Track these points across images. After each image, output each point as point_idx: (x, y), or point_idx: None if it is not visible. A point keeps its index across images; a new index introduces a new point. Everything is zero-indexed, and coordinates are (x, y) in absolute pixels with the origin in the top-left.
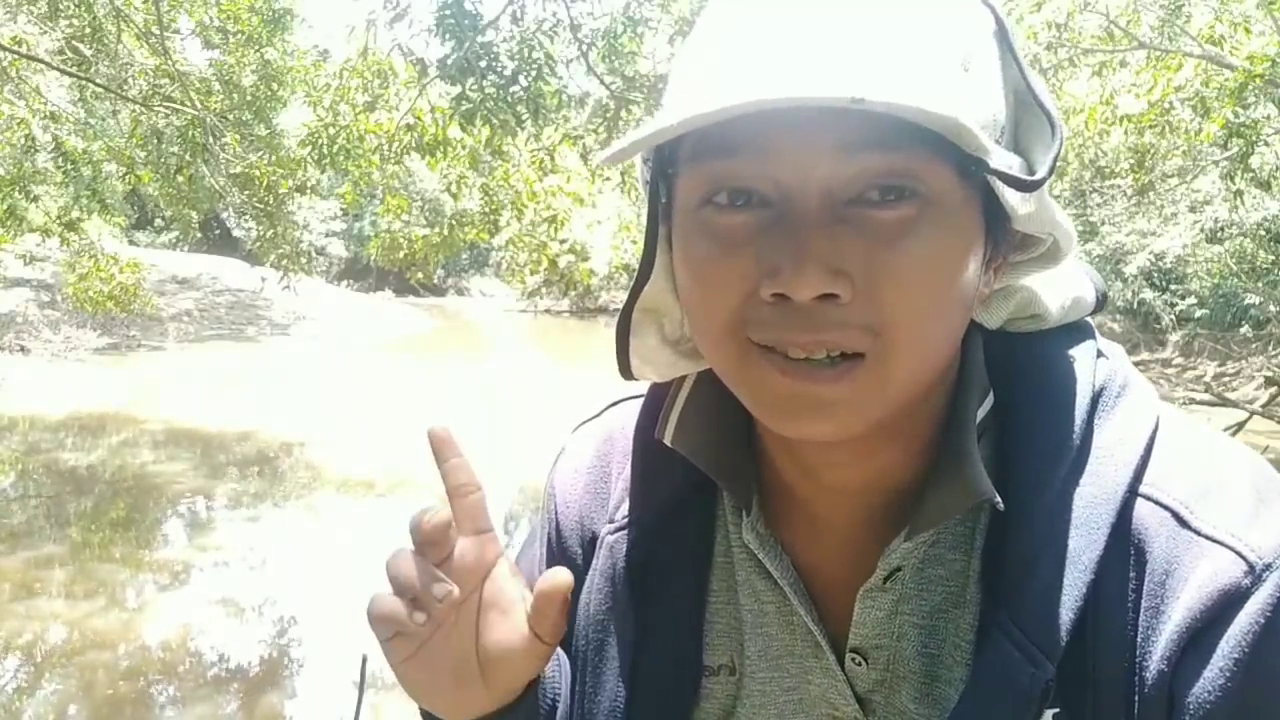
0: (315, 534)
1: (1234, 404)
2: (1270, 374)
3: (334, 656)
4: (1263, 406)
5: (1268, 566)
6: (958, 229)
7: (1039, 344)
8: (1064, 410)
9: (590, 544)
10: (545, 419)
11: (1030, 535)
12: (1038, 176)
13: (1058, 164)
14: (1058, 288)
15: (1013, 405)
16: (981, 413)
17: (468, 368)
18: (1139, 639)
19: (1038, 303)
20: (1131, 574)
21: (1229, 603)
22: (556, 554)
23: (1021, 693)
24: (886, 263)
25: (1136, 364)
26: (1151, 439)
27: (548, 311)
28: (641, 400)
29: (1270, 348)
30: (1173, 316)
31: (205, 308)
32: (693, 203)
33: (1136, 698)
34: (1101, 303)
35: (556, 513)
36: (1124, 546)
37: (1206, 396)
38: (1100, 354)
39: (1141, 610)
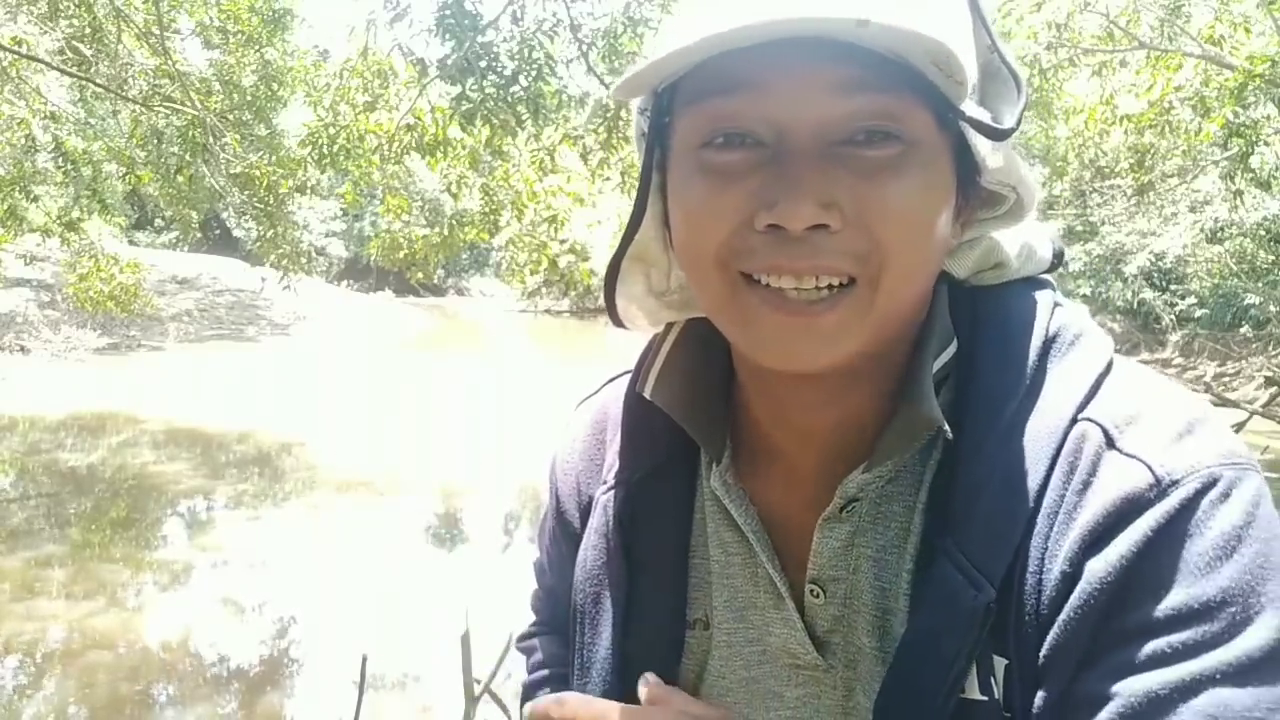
0: (315, 534)
1: (1234, 404)
2: (1270, 374)
3: (334, 656)
4: (1263, 406)
5: (1174, 482)
6: (935, 172)
7: (1001, 295)
8: (1017, 351)
9: (586, 508)
10: (545, 419)
11: (978, 466)
12: (1006, 126)
13: (1023, 117)
14: (1015, 233)
15: (972, 350)
16: (944, 359)
17: (468, 368)
18: (1050, 543)
19: (1000, 251)
20: (1061, 487)
21: (1130, 510)
22: (557, 521)
23: (964, 615)
24: (873, 196)
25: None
26: (1100, 378)
27: (548, 311)
28: None
29: (1270, 348)
30: (1173, 316)
31: (205, 308)
32: (690, 144)
33: (1044, 601)
34: (1058, 260)
35: (556, 482)
36: (1061, 467)
37: (1206, 396)
38: (1058, 304)
39: (1059, 517)
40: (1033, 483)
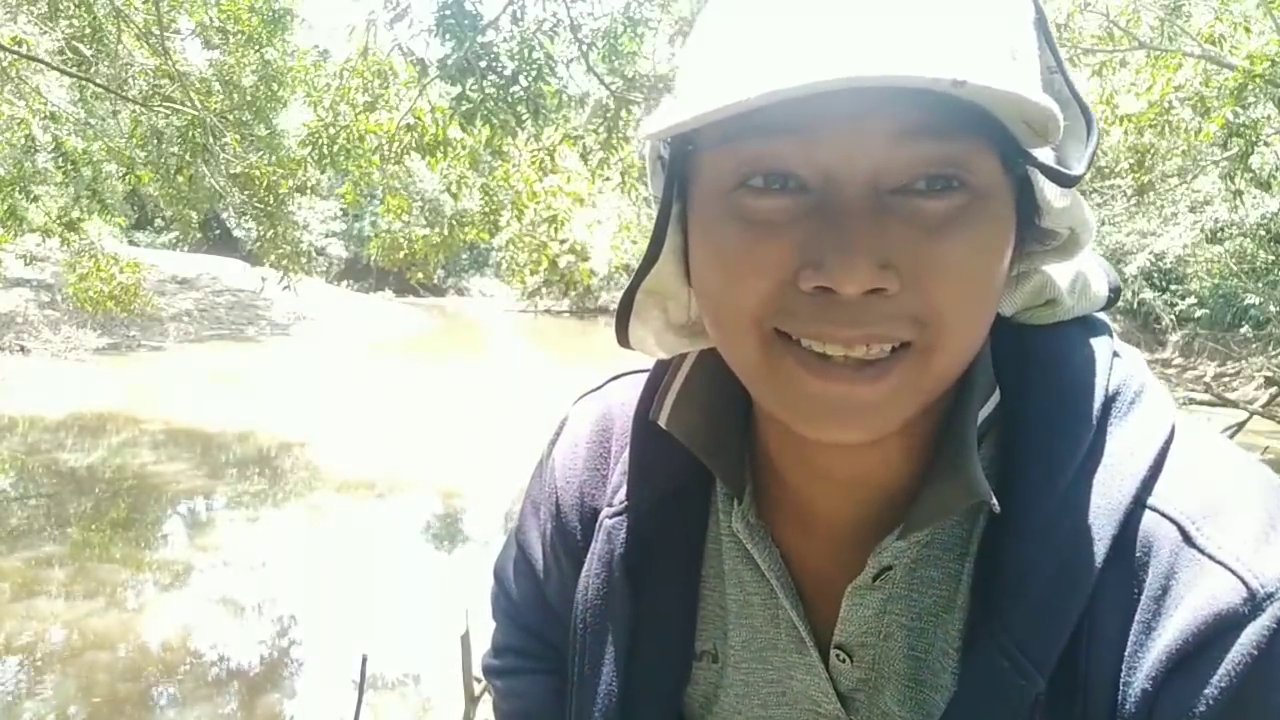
0: (315, 534)
1: (1234, 404)
2: (1270, 374)
3: (334, 656)
4: (1263, 406)
5: (1269, 596)
6: (999, 221)
7: (1053, 339)
8: (1074, 413)
9: (589, 519)
10: (545, 419)
11: (1028, 543)
12: (1076, 172)
13: (1094, 157)
14: (1068, 265)
15: (1021, 404)
16: (987, 410)
17: (468, 368)
18: (1128, 654)
19: (1052, 287)
20: (1131, 587)
21: (1224, 628)
22: (556, 529)
23: (1010, 705)
24: (934, 254)
25: None
26: (1164, 449)
27: (548, 311)
28: (643, 376)
29: (1270, 348)
30: (1173, 316)
31: (205, 308)
32: (724, 185)
33: (1124, 713)
34: (1115, 296)
35: (557, 488)
36: (1126, 558)
37: (1206, 396)
38: (1116, 354)
39: (1134, 624)
40: (1088, 570)
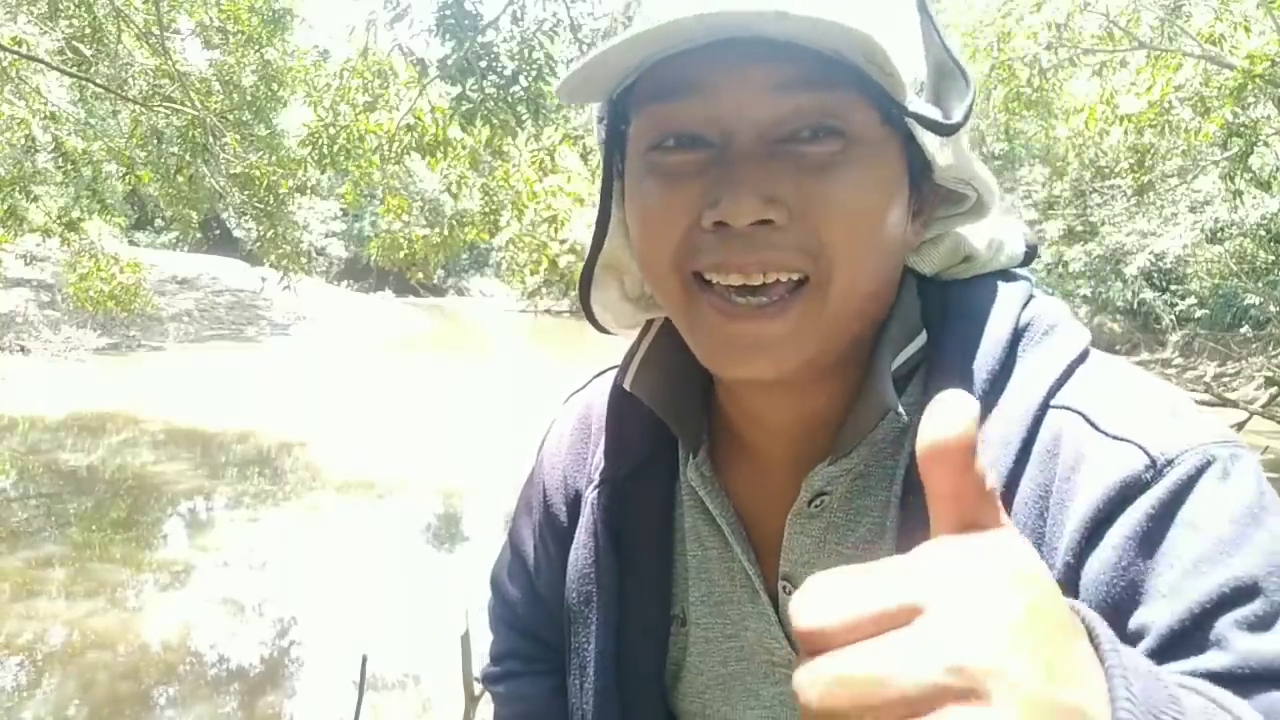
0: (315, 534)
1: (1234, 404)
2: (1270, 374)
3: (334, 656)
4: (1263, 406)
5: (1169, 462)
6: (881, 166)
7: (970, 286)
8: (984, 340)
9: (573, 502)
10: (545, 419)
11: None
12: (952, 121)
13: (972, 110)
14: (984, 228)
15: (940, 341)
16: (912, 349)
17: (467, 368)
18: (1048, 535)
19: (966, 244)
20: (1045, 479)
21: (1129, 494)
22: (544, 517)
23: None
24: (817, 191)
25: (1136, 364)
26: (1072, 366)
27: (548, 311)
28: None
29: (1270, 348)
30: (1173, 317)
31: (205, 308)
32: (641, 148)
33: None
34: (1032, 254)
35: (543, 477)
36: (1037, 455)
37: (1206, 396)
38: (1032, 297)
39: (1050, 508)
40: (1003, 470)
